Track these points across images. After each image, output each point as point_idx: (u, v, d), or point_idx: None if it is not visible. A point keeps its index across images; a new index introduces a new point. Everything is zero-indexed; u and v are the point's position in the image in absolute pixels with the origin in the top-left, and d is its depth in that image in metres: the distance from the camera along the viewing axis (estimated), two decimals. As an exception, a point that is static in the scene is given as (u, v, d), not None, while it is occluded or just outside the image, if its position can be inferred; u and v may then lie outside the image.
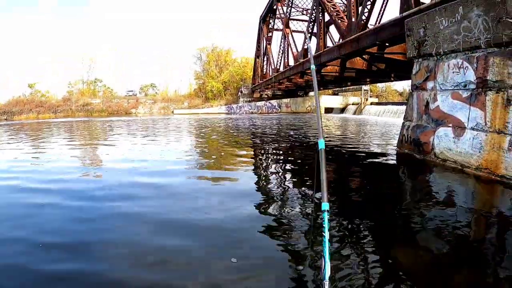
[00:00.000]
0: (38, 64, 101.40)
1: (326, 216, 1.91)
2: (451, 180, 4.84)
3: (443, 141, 5.62)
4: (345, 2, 16.47)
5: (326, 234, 1.82)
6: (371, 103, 35.80)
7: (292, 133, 13.22)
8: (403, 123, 7.03)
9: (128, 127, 17.71)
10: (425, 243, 2.77)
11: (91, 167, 6.28)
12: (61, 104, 54.22)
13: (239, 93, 54.17)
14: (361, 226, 3.02)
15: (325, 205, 1.93)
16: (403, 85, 56.49)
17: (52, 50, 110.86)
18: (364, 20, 12.51)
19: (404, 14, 8.31)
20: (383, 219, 3.27)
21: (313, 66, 2.86)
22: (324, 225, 1.88)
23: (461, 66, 5.22)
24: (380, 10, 14.62)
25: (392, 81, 25.59)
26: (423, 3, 8.09)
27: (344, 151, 7.94)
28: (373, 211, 3.48)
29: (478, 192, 4.40)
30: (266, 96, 48.02)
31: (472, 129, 4.96)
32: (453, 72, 5.44)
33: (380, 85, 52.86)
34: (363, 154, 7.40)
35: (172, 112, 52.18)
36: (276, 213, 3.40)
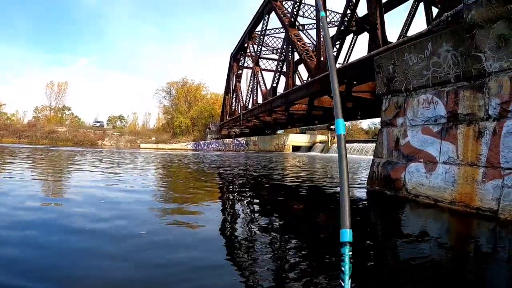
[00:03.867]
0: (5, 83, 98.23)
1: (347, 254, 1.24)
2: (425, 215, 4.68)
3: (414, 176, 5.52)
4: (315, 42, 16.92)
5: (347, 286, 1.20)
6: (338, 142, 36.48)
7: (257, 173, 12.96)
8: (373, 160, 6.94)
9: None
10: (401, 282, 2.50)
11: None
12: (26, 129, 52.40)
13: (207, 129, 54.17)
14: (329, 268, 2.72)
15: (347, 234, 1.25)
16: (369, 124, 58.71)
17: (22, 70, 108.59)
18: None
19: (373, 53, 8.48)
20: (355, 259, 3.00)
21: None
22: (343, 268, 1.23)
23: (431, 101, 5.23)
24: (348, 49, 15.10)
25: (358, 119, 26.26)
26: (390, 42, 8.31)
27: (312, 189, 7.72)
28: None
29: (453, 226, 4.25)
30: (234, 133, 48.12)
31: (444, 163, 4.89)
32: (423, 107, 5.44)
33: (346, 123, 54.14)
34: (331, 192, 7.20)
35: (139, 146, 51.24)
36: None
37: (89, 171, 9.25)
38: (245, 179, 8.88)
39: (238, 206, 5.13)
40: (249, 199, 5.68)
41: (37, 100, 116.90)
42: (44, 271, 2.22)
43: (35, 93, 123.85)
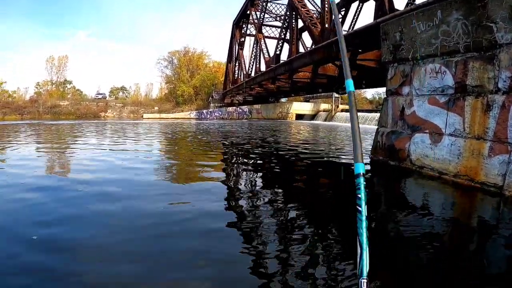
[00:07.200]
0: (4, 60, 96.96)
1: (362, 183, 1.39)
2: (428, 188, 4.69)
3: (419, 147, 5.49)
4: (319, 9, 16.49)
5: (363, 210, 1.35)
6: (342, 110, 36.26)
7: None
8: (377, 129, 6.89)
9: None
10: (401, 254, 2.53)
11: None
12: (28, 105, 52.23)
13: (210, 98, 53.84)
14: (332, 238, 2.75)
15: (360, 167, 1.42)
16: (373, 93, 58.25)
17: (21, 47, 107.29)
18: (338, 26, 12.50)
19: (379, 20, 8.26)
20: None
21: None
22: (359, 195, 1.37)
23: (439, 71, 5.12)
24: (354, 16, 14.71)
25: (363, 88, 25.96)
26: (397, 10, 8.07)
27: (316, 158, 7.73)
28: (346, 220, 3.21)
29: (457, 200, 4.26)
30: (237, 101, 47.83)
31: (450, 135, 4.85)
32: (430, 77, 5.34)
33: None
34: (335, 161, 7.21)
35: (142, 116, 51.21)
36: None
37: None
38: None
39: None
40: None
41: (38, 75, 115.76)
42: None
43: (35, 69, 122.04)
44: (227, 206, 3.59)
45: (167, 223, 2.93)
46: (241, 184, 4.87)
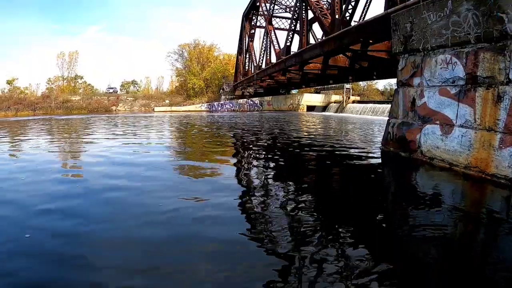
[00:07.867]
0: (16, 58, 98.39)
1: None
2: (439, 179, 4.71)
3: (430, 138, 5.50)
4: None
5: None
6: (353, 101, 36.01)
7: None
8: (388, 120, 6.90)
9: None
10: (411, 246, 2.59)
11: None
12: (40, 101, 52.74)
13: (221, 90, 53.79)
14: (343, 229, 2.81)
15: None
16: (384, 84, 57.64)
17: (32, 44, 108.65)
18: (348, 17, 12.44)
19: (389, 10, 8.21)
20: (367, 221, 3.08)
21: None
22: None
23: (450, 62, 5.10)
24: (365, 7, 14.56)
25: (374, 79, 25.82)
26: (408, 0, 8.00)
27: (327, 149, 7.77)
28: (356, 213, 3.28)
29: (467, 192, 4.28)
30: (248, 93, 47.70)
31: (461, 126, 4.85)
32: (441, 68, 5.32)
33: (361, 83, 53.59)
34: (346, 152, 7.24)
35: (153, 109, 51.49)
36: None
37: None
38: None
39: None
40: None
41: (50, 72, 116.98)
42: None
43: (47, 65, 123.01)
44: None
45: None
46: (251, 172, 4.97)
